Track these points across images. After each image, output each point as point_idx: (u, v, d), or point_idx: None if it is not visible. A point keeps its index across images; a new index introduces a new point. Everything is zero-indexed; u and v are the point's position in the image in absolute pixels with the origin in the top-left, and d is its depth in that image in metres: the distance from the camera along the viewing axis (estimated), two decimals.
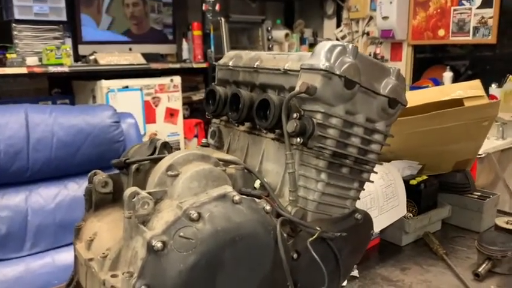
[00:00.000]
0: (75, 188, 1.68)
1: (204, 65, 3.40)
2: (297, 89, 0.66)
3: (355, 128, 0.70)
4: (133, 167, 0.73)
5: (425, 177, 1.32)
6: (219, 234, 0.57)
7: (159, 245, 0.56)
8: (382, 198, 1.17)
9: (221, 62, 0.89)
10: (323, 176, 0.69)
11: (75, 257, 0.74)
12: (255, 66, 0.79)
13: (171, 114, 3.22)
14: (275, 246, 0.62)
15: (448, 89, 1.35)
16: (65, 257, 1.59)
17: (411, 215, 1.27)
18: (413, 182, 1.30)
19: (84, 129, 1.66)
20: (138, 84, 2.94)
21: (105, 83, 2.77)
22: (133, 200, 0.61)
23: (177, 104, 3.22)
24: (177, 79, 3.18)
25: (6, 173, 1.54)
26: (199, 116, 3.62)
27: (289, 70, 0.71)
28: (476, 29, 3.35)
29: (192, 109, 3.71)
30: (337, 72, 0.65)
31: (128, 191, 0.61)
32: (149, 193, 0.62)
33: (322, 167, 0.68)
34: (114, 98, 2.76)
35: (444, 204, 1.35)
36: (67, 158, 1.64)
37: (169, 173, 0.65)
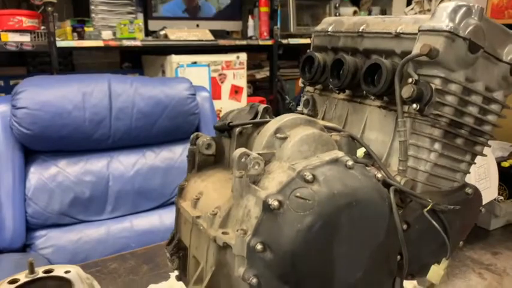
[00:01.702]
0: (153, 157, 1.73)
1: (269, 42, 3.37)
2: (415, 51, 0.62)
3: (474, 96, 0.66)
4: (237, 130, 0.73)
5: None
6: (336, 197, 0.56)
7: (275, 203, 0.55)
8: (474, 178, 1.11)
9: (318, 28, 0.86)
10: (437, 146, 0.66)
11: (177, 215, 0.76)
12: (361, 30, 0.76)
13: (235, 91, 3.23)
14: (390, 214, 0.60)
15: None
16: (142, 222, 1.66)
17: (502, 198, 1.20)
18: (505, 164, 1.23)
19: (162, 101, 1.70)
20: (206, 60, 2.97)
21: (175, 58, 2.81)
22: (243, 160, 0.60)
23: (242, 81, 3.23)
24: (243, 56, 3.18)
25: (90, 140, 1.61)
26: (262, 94, 3.61)
27: (403, 33, 0.68)
28: None
29: (256, 87, 3.71)
30: (462, 34, 0.61)
31: (238, 151, 0.61)
32: (259, 154, 0.62)
33: (438, 136, 0.65)
34: (183, 73, 2.80)
35: None
36: (146, 128, 1.69)
37: (278, 135, 0.64)
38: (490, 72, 0.66)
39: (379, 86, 0.67)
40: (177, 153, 1.77)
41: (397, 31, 0.68)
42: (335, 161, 0.60)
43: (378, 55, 0.74)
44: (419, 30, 0.64)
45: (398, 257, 0.63)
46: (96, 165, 1.64)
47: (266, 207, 0.56)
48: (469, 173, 0.72)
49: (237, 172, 0.61)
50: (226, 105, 3.16)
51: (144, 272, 0.99)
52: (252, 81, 3.66)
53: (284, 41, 3.42)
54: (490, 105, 0.68)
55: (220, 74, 3.10)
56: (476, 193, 0.71)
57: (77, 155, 1.64)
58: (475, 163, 0.72)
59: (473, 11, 0.62)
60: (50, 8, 2.36)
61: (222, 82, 3.14)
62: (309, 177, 0.57)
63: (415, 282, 0.91)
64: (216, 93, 3.12)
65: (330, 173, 0.58)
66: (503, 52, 0.67)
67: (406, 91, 0.63)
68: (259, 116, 0.75)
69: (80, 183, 1.59)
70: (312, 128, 0.66)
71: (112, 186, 1.64)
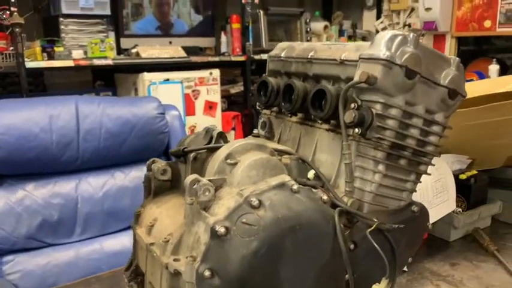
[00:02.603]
0: (122, 178, 1.73)
1: (242, 58, 3.42)
2: (356, 78, 0.66)
3: (415, 119, 0.69)
4: (191, 155, 0.75)
5: (475, 172, 1.29)
6: (280, 221, 0.58)
7: (222, 230, 0.57)
8: (432, 192, 1.15)
9: (273, 53, 0.89)
10: (381, 167, 0.68)
11: (134, 241, 0.77)
12: (309, 56, 0.79)
13: (209, 106, 3.25)
14: (334, 235, 0.62)
15: (502, 81, 1.30)
16: (112, 243, 1.65)
17: (460, 210, 1.24)
18: (462, 176, 1.27)
19: (130, 120, 1.70)
20: (179, 77, 2.99)
21: (147, 76, 2.83)
22: (194, 186, 0.62)
23: (216, 97, 3.25)
24: (216, 72, 3.21)
25: (58, 162, 1.60)
26: (236, 109, 3.64)
27: (347, 60, 0.71)
28: None
29: (230, 102, 3.74)
30: (398, 62, 0.64)
31: (189, 178, 0.62)
32: (210, 180, 0.63)
33: (380, 158, 0.68)
34: (155, 91, 2.81)
35: (494, 200, 1.31)
36: (114, 148, 1.69)
37: (229, 161, 0.67)
38: (430, 96, 0.70)
39: (325, 111, 0.70)
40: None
41: (342, 58, 0.71)
42: (281, 186, 0.63)
43: (326, 80, 0.77)
44: (359, 58, 0.67)
45: (347, 276, 0.65)
46: (64, 187, 1.63)
47: (214, 233, 0.57)
48: (415, 191, 0.75)
49: (188, 199, 0.62)
50: (200, 121, 3.18)
51: None
52: (226, 96, 3.69)
53: (257, 57, 3.47)
54: (432, 126, 0.72)
55: (193, 90, 3.12)
56: (423, 210, 0.74)
57: (45, 177, 1.62)
58: (420, 182, 0.75)
59: (409, 39, 0.66)
60: (17, 29, 2.35)
61: (195, 98, 3.16)
62: (255, 202, 0.59)
63: None
64: (190, 109, 3.14)
65: (275, 197, 0.61)
66: (441, 76, 0.70)
67: (348, 116, 0.65)
68: (213, 141, 0.77)
69: (48, 206, 1.57)
70: (261, 153, 0.68)
71: (81, 208, 1.63)
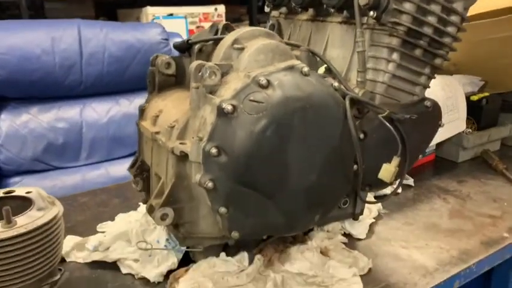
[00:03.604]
0: (127, 105, 1.71)
1: None
2: None
3: (433, 5, 0.65)
4: (196, 47, 0.72)
5: (487, 94, 1.26)
6: (289, 100, 0.56)
7: (229, 107, 0.55)
8: (442, 109, 1.12)
9: None
10: (395, 55, 0.65)
11: (139, 137, 0.76)
12: None
13: None
14: (344, 120, 0.60)
15: None
16: (117, 169, 1.65)
17: (470, 130, 1.22)
18: (474, 97, 1.24)
19: (134, 45, 1.66)
20: (183, 12, 2.89)
21: (150, 10, 2.74)
22: (200, 72, 0.60)
23: None
24: (221, 8, 3.10)
25: (61, 86, 1.58)
26: None
27: None
28: None
29: None
30: None
31: (194, 63, 0.60)
32: (216, 65, 0.61)
33: (395, 45, 0.64)
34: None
35: (505, 123, 1.28)
36: (118, 73, 1.66)
37: (235, 46, 0.64)
38: None
39: None
40: None
41: None
42: (291, 68, 0.60)
43: None
44: None
45: (355, 166, 0.64)
46: (69, 112, 1.61)
47: (220, 112, 0.56)
48: (429, 87, 0.72)
49: (193, 83, 0.60)
50: None
51: (114, 205, 0.99)
52: None
53: None
54: (450, 16, 0.68)
55: (197, 27, 3.03)
56: (436, 107, 0.72)
57: (49, 102, 1.61)
58: (434, 77, 0.72)
59: None
60: None
61: None
62: (264, 82, 0.57)
63: (380, 205, 0.93)
64: None
65: (285, 78, 0.58)
66: None
67: None
68: (219, 33, 0.73)
69: (53, 130, 1.56)
70: (270, 39, 0.65)
71: (86, 133, 1.62)
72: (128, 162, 1.66)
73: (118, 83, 1.68)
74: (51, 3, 2.86)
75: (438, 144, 1.21)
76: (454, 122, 1.16)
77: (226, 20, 3.23)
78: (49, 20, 1.73)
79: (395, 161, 0.61)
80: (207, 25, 3.11)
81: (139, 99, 1.75)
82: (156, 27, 1.74)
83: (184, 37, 2.90)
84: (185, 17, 2.93)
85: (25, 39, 1.51)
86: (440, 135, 1.13)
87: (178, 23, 2.90)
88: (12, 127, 1.52)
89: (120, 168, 1.66)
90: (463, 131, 1.19)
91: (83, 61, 1.59)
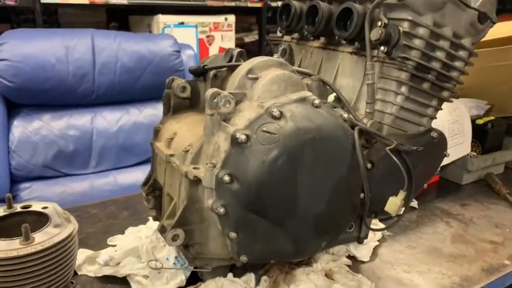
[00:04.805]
0: (137, 114, 1.74)
1: (258, 5, 3.33)
2: None
3: (441, 41, 0.68)
4: (211, 73, 0.74)
5: (492, 117, 1.28)
6: (301, 131, 0.58)
7: (243, 137, 0.57)
8: (448, 133, 1.14)
9: None
10: (403, 89, 0.68)
11: (153, 156, 0.78)
12: None
13: None
14: (352, 151, 0.62)
15: None
16: (126, 177, 1.68)
17: (475, 154, 1.24)
18: (480, 121, 1.26)
19: (146, 56, 1.69)
20: (194, 21, 2.93)
21: (161, 18, 2.77)
22: (215, 99, 0.62)
23: (230, 44, 3.20)
24: (232, 18, 3.14)
25: (74, 94, 1.61)
26: (251, 58, 3.59)
27: None
28: None
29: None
30: None
31: (210, 91, 0.62)
32: (230, 93, 0.63)
33: (404, 79, 0.67)
34: (170, 34, 2.77)
35: (510, 147, 1.30)
36: (130, 83, 1.69)
37: (250, 76, 0.66)
38: (458, 18, 0.68)
39: (350, 30, 0.68)
40: (161, 111, 1.76)
41: None
42: (303, 100, 0.62)
43: (352, 1, 0.75)
44: None
45: (362, 195, 0.66)
46: (80, 120, 1.65)
47: (234, 141, 0.58)
48: (436, 118, 0.74)
49: (208, 110, 0.62)
50: None
51: (124, 217, 1.01)
52: (240, 45, 3.63)
53: (274, 4, 3.38)
54: (458, 51, 0.70)
55: (208, 36, 3.07)
56: (441, 137, 0.74)
57: (61, 109, 1.64)
58: (441, 109, 0.74)
59: None
60: None
61: (209, 44, 3.11)
62: (276, 113, 0.59)
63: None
64: (204, 55, 3.10)
65: (296, 110, 0.61)
66: None
67: (375, 33, 0.64)
68: (233, 60, 0.76)
69: (63, 137, 1.60)
70: (283, 69, 0.67)
71: (96, 141, 1.65)
72: (136, 171, 1.71)
73: (129, 92, 1.72)
74: (64, 9, 2.91)
75: (443, 166, 1.23)
76: (459, 145, 1.18)
77: (236, 29, 3.27)
78: (63, 29, 1.76)
79: (402, 194, 0.64)
80: (217, 34, 3.15)
81: (149, 109, 1.78)
82: (168, 39, 1.77)
83: (195, 48, 2.93)
84: (196, 26, 2.97)
85: (40, 48, 1.55)
86: (446, 158, 1.15)
87: (188, 32, 2.94)
88: (24, 133, 1.55)
89: (128, 177, 1.69)
90: (467, 154, 1.21)
91: (96, 70, 1.62)
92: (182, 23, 2.91)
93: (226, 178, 0.58)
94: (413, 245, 0.92)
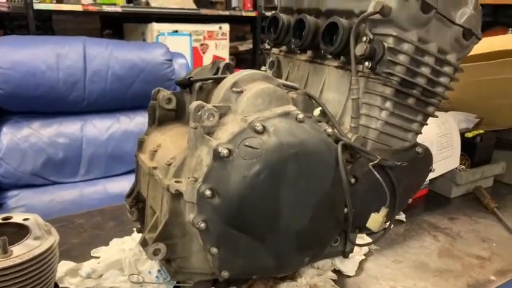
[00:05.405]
0: (127, 122, 1.74)
1: (253, 14, 3.35)
2: (371, 9, 0.64)
3: (426, 57, 0.68)
4: (197, 85, 0.74)
5: (481, 131, 1.28)
6: (283, 146, 0.58)
7: (225, 151, 0.57)
8: (437, 146, 1.14)
9: None
10: (388, 104, 0.68)
11: (137, 168, 0.78)
12: None
13: None
14: (336, 166, 0.62)
15: None
16: (115, 186, 1.67)
17: (464, 167, 1.24)
18: (469, 134, 1.26)
19: (138, 65, 1.69)
20: (188, 29, 2.94)
21: (156, 26, 2.78)
22: (199, 112, 0.62)
23: (224, 52, 3.21)
24: (226, 27, 3.15)
25: (64, 102, 1.60)
26: (245, 67, 3.59)
27: None
28: None
29: (238, 60, 3.69)
30: None
31: (194, 104, 0.62)
32: (214, 106, 0.63)
33: (389, 94, 0.67)
34: (164, 42, 2.77)
35: (499, 161, 1.30)
36: (121, 91, 1.68)
37: (234, 89, 0.66)
38: (444, 34, 0.68)
39: (336, 44, 0.68)
40: None
41: None
42: (286, 114, 0.62)
43: (339, 16, 0.75)
44: None
45: (346, 209, 0.66)
46: (70, 127, 1.64)
47: (216, 155, 0.57)
48: (421, 133, 0.74)
49: (192, 123, 0.62)
50: None
51: (109, 228, 1.00)
52: (234, 54, 3.64)
53: (268, 13, 3.39)
54: (443, 67, 0.70)
55: (202, 44, 3.08)
56: (427, 152, 0.74)
57: (51, 117, 1.63)
58: (426, 124, 0.74)
59: None
60: None
61: (203, 52, 3.11)
62: (259, 127, 0.59)
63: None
64: (197, 63, 3.10)
65: (280, 124, 0.60)
66: (457, 14, 0.68)
67: (359, 49, 0.64)
68: (220, 73, 0.76)
69: (53, 145, 1.59)
70: (268, 83, 0.67)
71: (85, 149, 1.64)
72: (125, 179, 1.70)
73: (120, 100, 1.71)
74: (58, 15, 2.90)
75: (432, 180, 1.23)
76: (447, 158, 1.18)
77: (230, 38, 3.27)
78: (55, 36, 1.76)
79: (384, 211, 0.63)
80: (211, 43, 3.16)
81: (139, 118, 1.77)
82: (161, 48, 1.77)
83: (188, 57, 2.94)
84: (190, 35, 2.98)
85: (30, 55, 1.54)
86: (434, 172, 1.15)
87: (182, 40, 2.94)
88: (13, 141, 1.54)
89: (118, 186, 1.68)
90: (456, 167, 1.21)
91: (87, 78, 1.62)
92: (176, 31, 2.92)
93: (208, 193, 0.57)
94: (399, 259, 0.91)
